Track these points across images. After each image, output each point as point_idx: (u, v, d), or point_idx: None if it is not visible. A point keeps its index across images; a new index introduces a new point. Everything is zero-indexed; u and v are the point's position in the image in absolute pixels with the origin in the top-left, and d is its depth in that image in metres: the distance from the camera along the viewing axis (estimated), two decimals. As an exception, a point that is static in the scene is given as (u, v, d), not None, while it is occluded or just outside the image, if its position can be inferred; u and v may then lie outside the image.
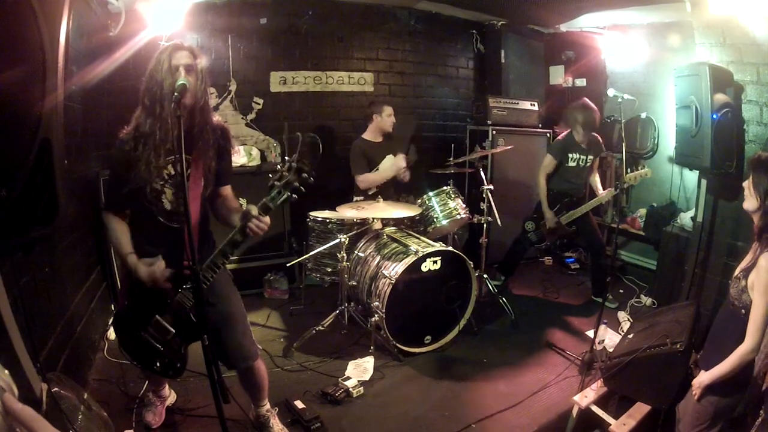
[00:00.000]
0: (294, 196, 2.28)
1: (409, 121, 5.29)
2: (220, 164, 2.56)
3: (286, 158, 2.32)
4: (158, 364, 2.49)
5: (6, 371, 1.30)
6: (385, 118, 4.97)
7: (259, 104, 5.65)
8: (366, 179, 4.86)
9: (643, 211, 5.68)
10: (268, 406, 2.97)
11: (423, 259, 3.88)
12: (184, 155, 1.94)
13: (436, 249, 3.96)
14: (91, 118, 3.95)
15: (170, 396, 3.22)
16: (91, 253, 4.03)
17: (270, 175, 2.46)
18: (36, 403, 1.80)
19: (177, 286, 2.41)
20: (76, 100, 3.55)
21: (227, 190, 2.67)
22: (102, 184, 2.87)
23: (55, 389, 2.25)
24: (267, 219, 2.31)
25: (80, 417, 2.33)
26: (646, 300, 4.95)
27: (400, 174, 4.89)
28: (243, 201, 4.92)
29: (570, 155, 4.84)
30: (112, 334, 4.02)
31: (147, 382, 3.22)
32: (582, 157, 4.87)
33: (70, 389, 2.44)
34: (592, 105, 4.70)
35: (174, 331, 2.42)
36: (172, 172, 2.42)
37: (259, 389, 2.89)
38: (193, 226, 2.11)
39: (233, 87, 5.52)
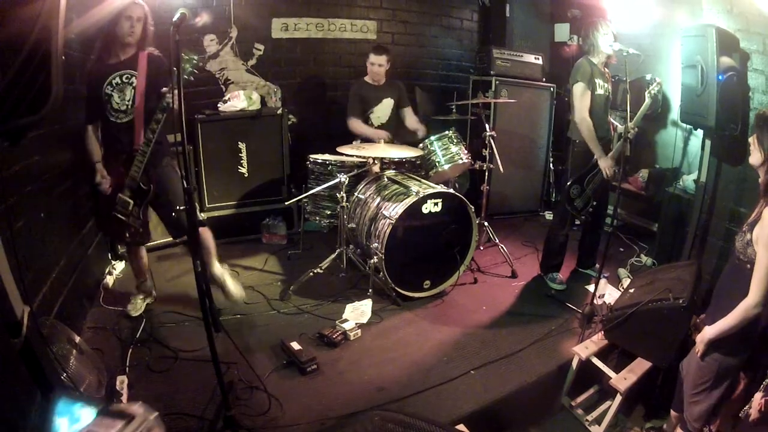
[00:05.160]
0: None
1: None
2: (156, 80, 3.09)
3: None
4: (127, 234, 3.23)
5: None
6: (368, 65, 4.80)
7: (260, 50, 5.32)
8: (354, 126, 4.74)
9: (645, 172, 5.38)
10: (218, 267, 3.46)
11: (424, 200, 3.62)
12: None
13: (438, 191, 3.69)
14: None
15: (152, 292, 3.66)
16: (87, 201, 3.82)
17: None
18: (16, 325, 1.65)
19: (128, 167, 3.09)
20: (75, 48, 3.41)
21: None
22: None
23: (48, 333, 2.19)
24: None
25: (72, 361, 2.29)
26: (647, 260, 4.68)
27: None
28: (242, 145, 4.71)
29: (597, 81, 3.83)
30: (108, 282, 3.93)
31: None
32: (605, 85, 3.91)
33: (62, 334, 2.41)
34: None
35: (132, 201, 3.13)
36: (115, 81, 3.10)
37: (206, 253, 3.34)
38: (139, 115, 3.07)
39: (234, 33, 5.18)
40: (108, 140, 3.24)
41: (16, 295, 1.68)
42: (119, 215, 3.14)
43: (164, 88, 2.94)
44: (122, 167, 3.12)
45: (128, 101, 3.10)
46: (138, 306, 3.49)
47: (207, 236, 3.35)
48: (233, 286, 3.47)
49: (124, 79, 3.08)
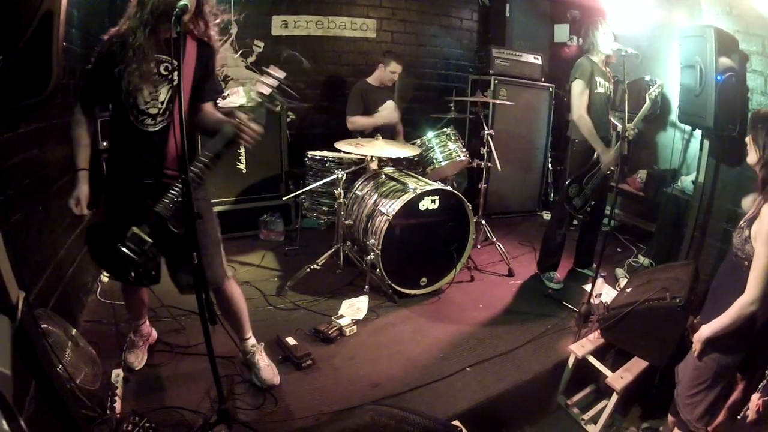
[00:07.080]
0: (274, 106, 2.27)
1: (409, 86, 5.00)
2: (204, 79, 2.39)
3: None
4: (133, 274, 2.30)
5: None
6: (387, 73, 4.78)
7: (260, 47, 5.33)
8: (355, 121, 4.69)
9: (643, 173, 5.38)
10: (252, 341, 2.80)
11: (421, 197, 3.61)
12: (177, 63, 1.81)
13: (435, 187, 3.68)
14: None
15: (151, 334, 3.00)
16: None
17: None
18: (11, 309, 1.59)
19: (156, 197, 2.21)
20: (76, 44, 3.37)
21: (209, 106, 2.46)
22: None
23: (43, 325, 2.16)
24: (257, 127, 2.16)
25: (68, 352, 2.28)
26: (644, 260, 4.67)
27: (393, 121, 4.75)
28: (241, 142, 4.69)
29: (597, 80, 3.81)
30: (105, 276, 3.83)
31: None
32: (606, 84, 3.89)
33: (58, 326, 2.37)
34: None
35: (151, 240, 2.20)
36: (153, 71, 2.23)
37: (235, 316, 2.71)
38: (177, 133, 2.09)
39: (234, 30, 5.17)
40: (127, 151, 2.36)
41: (12, 280, 1.66)
42: (128, 252, 2.20)
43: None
44: (145, 195, 2.30)
45: (161, 103, 2.27)
46: (140, 356, 2.84)
47: (235, 293, 2.67)
48: (266, 367, 2.75)
49: (161, 68, 2.24)
